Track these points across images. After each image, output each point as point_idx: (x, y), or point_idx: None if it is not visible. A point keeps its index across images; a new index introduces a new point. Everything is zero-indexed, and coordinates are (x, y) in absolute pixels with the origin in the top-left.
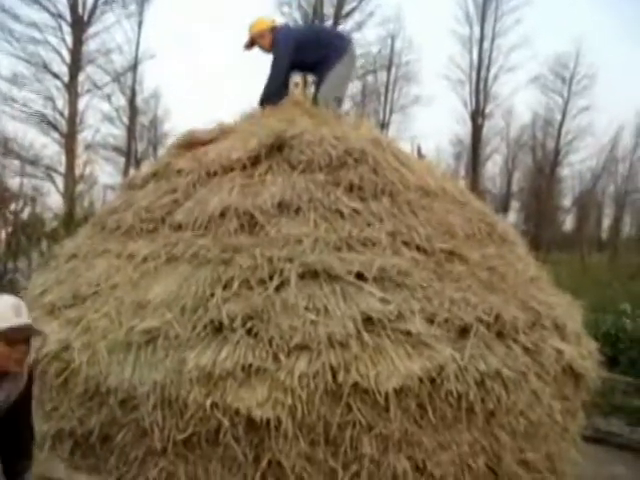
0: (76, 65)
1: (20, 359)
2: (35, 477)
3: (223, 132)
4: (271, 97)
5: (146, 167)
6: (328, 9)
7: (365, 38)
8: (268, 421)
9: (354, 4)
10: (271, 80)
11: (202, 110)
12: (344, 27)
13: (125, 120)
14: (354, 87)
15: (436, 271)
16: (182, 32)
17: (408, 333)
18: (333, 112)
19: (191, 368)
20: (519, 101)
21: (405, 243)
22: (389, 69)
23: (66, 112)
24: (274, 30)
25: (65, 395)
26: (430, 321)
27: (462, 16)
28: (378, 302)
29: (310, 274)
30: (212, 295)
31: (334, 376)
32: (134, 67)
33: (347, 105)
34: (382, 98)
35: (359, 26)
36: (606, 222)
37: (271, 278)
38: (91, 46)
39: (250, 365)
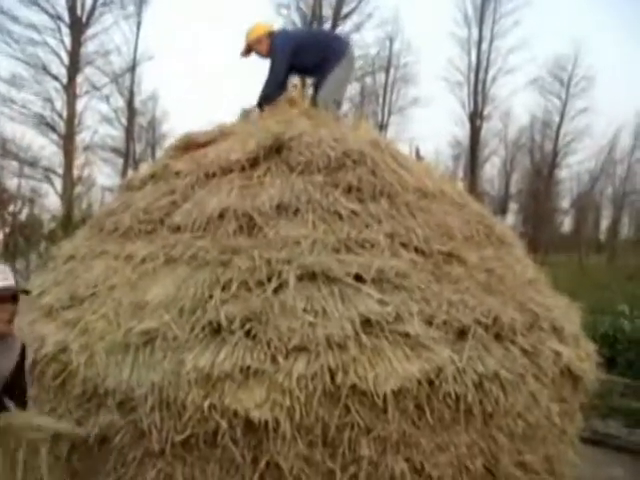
0: (74, 66)
1: (7, 319)
2: None
3: (221, 134)
4: (268, 101)
5: (144, 168)
6: (327, 11)
7: (363, 40)
8: (266, 423)
9: (352, 6)
10: (268, 85)
11: (200, 111)
12: (342, 29)
13: (123, 121)
14: (352, 89)
15: (434, 273)
16: (180, 33)
17: (406, 335)
18: (332, 114)
19: (189, 370)
20: (517, 103)
21: (403, 245)
22: (387, 71)
23: (64, 113)
24: (271, 35)
25: (63, 397)
26: (428, 323)
27: (460, 18)
28: (376, 304)
29: (308, 276)
30: (210, 297)
31: (332, 378)
32: (132, 68)
33: (346, 106)
34: (380, 100)
35: (357, 28)
36: (604, 224)
37: (269, 280)
38: (89, 47)
39: (248, 367)
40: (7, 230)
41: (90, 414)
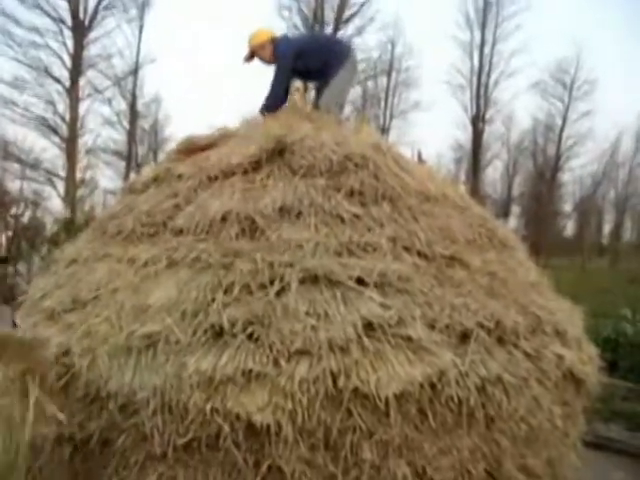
0: (77, 69)
1: None
2: None
3: (223, 137)
4: (272, 108)
5: (147, 171)
6: (328, 14)
7: (365, 43)
8: (268, 426)
9: (354, 9)
10: (273, 91)
11: (203, 114)
12: (344, 32)
13: (126, 124)
14: (354, 92)
15: (437, 276)
16: (182, 36)
17: (409, 338)
18: (334, 117)
19: (191, 373)
20: (520, 106)
21: (406, 248)
22: (389, 74)
23: (67, 116)
24: (274, 41)
25: (65, 399)
26: (431, 326)
27: (463, 21)
28: (379, 307)
29: (311, 279)
30: (213, 300)
31: (334, 381)
32: (135, 71)
33: (347, 110)
34: (382, 103)
35: (359, 31)
36: (607, 227)
37: (272, 283)
38: (92, 50)
39: (250, 370)
40: (9, 233)
41: (92, 417)
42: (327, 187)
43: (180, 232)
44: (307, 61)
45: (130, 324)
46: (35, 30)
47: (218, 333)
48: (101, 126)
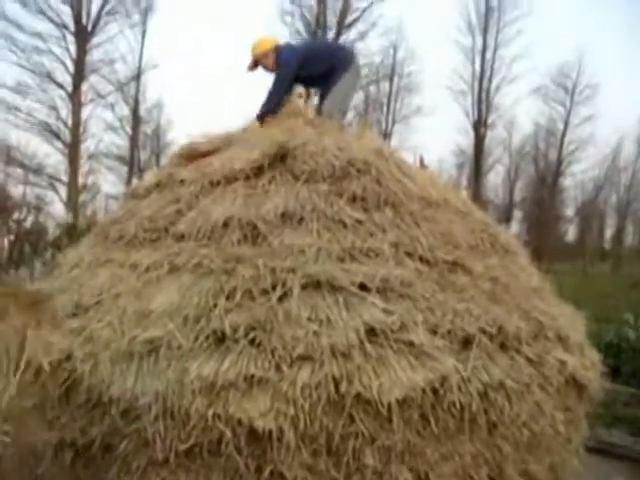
0: (80, 75)
1: None
2: None
3: (225, 142)
4: (268, 115)
5: (149, 177)
6: (331, 19)
7: (368, 48)
8: (270, 432)
9: (357, 14)
10: (271, 98)
11: (205, 119)
12: (346, 37)
13: (128, 129)
14: (357, 97)
15: (439, 282)
16: (185, 41)
17: (411, 344)
18: (336, 123)
19: (193, 378)
20: (521, 111)
21: (408, 254)
22: (391, 79)
23: (69, 121)
24: (277, 49)
25: (67, 405)
26: (433, 332)
27: (464, 26)
28: (381, 313)
29: (313, 285)
30: (215, 305)
31: (337, 387)
32: (137, 77)
33: (350, 115)
34: (384, 108)
35: (362, 36)
36: (608, 232)
37: (274, 288)
38: (95, 56)
39: (252, 375)
40: (12, 238)
41: (94, 422)
42: (329, 192)
43: (182, 237)
44: (311, 68)
45: (132, 329)
46: (38, 35)
47: (220, 338)
48: (103, 131)
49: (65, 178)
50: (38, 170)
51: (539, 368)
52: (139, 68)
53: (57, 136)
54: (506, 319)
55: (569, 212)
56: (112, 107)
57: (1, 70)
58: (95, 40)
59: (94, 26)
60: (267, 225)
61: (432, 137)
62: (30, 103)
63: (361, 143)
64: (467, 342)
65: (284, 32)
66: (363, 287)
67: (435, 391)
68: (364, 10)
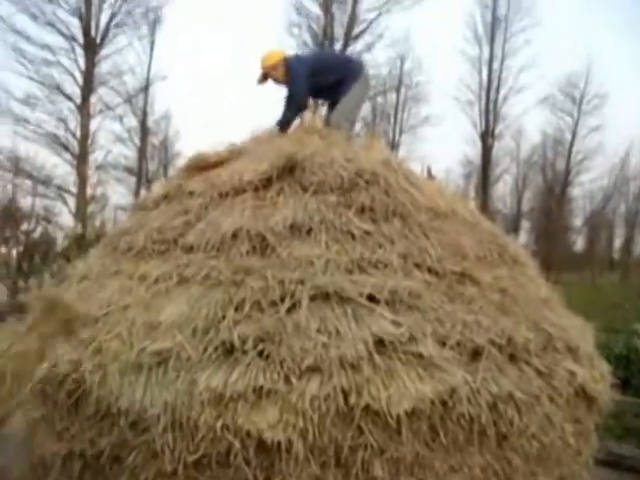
0: (88, 87)
1: None
2: None
3: (234, 154)
4: (287, 126)
5: (157, 188)
6: (338, 31)
7: (375, 59)
8: (279, 443)
9: (364, 26)
10: (288, 110)
11: (213, 130)
12: (354, 49)
13: (136, 141)
14: (364, 108)
15: (448, 293)
16: (193, 52)
17: (420, 355)
18: (344, 134)
19: (202, 390)
20: (529, 121)
21: (416, 265)
22: (399, 90)
23: (78, 133)
24: (286, 61)
25: (76, 416)
26: (442, 343)
27: (471, 37)
28: (390, 324)
29: (322, 296)
30: (223, 317)
31: (346, 398)
32: (146, 89)
33: (357, 126)
34: (392, 119)
35: (369, 48)
36: (617, 242)
37: (282, 300)
38: (103, 68)
39: (261, 387)
40: (21, 249)
41: (103, 434)
42: (338, 204)
43: (191, 249)
44: (320, 79)
45: (141, 341)
46: (47, 48)
47: (229, 350)
48: (112, 142)
49: (74, 189)
50: (47, 181)
51: (548, 380)
52: (147, 80)
53: (66, 147)
54: (515, 330)
55: (577, 222)
56: (120, 119)
57: (11, 82)
58: (104, 52)
59: (103, 38)
60: (276, 236)
61: (439, 147)
62: (39, 115)
63: (369, 154)
64: (476, 353)
65: (291, 44)
66: (372, 298)
67: (444, 403)
68: (371, 21)
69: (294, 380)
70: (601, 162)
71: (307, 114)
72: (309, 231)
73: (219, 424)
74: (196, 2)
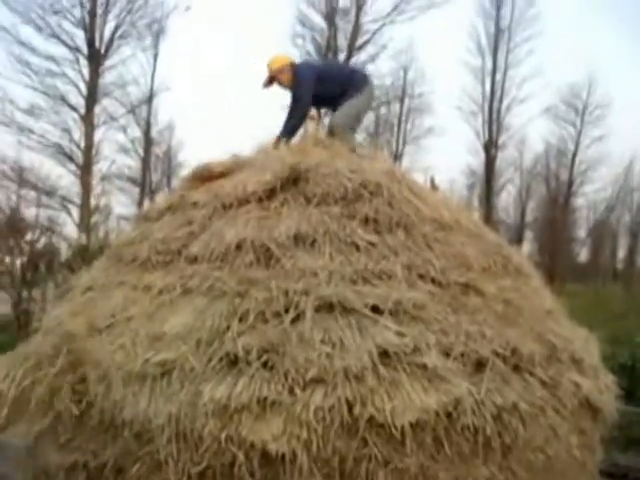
0: (92, 97)
1: None
2: None
3: (238, 165)
4: (293, 132)
5: (161, 198)
6: (341, 42)
7: (378, 70)
8: (283, 455)
9: (367, 37)
10: (294, 114)
11: (217, 141)
12: (357, 59)
13: (140, 151)
14: (367, 118)
15: (452, 304)
16: (197, 63)
17: (424, 367)
18: (348, 143)
19: (206, 401)
20: (532, 131)
21: (420, 276)
22: (402, 100)
23: (82, 143)
24: (293, 66)
25: (80, 427)
26: (446, 354)
27: (474, 48)
28: (394, 335)
29: (326, 307)
30: (228, 328)
31: (350, 410)
32: (149, 99)
33: (361, 136)
34: (395, 129)
35: (372, 58)
36: (621, 252)
37: (287, 311)
38: (107, 79)
39: (265, 398)
40: (24, 259)
41: (107, 444)
42: (342, 215)
43: (195, 260)
44: (325, 87)
45: (145, 352)
46: (51, 59)
47: (233, 361)
48: (116, 153)
49: (78, 200)
50: (51, 192)
51: (553, 391)
52: (151, 91)
53: (70, 158)
54: (519, 341)
55: (581, 232)
56: (124, 129)
57: (15, 93)
58: (108, 63)
59: (107, 49)
60: (280, 247)
61: (443, 158)
62: (43, 125)
63: (373, 165)
64: (480, 365)
65: (295, 54)
66: (376, 309)
67: (449, 414)
68: (374, 32)
69: (298, 391)
70: (605, 172)
71: (311, 124)
72: (313, 242)
73: (223, 435)
74: (198, 10)
